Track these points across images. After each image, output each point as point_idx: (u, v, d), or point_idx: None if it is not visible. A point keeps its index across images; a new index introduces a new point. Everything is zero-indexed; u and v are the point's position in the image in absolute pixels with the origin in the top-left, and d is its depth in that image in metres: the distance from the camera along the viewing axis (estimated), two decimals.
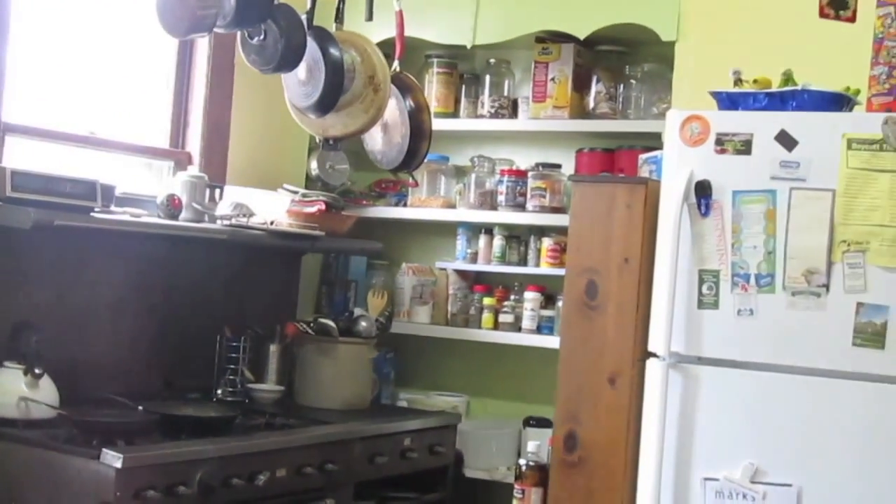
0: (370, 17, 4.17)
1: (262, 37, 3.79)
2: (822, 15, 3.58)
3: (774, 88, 3.53)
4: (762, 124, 3.40)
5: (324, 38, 3.94)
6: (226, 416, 3.78)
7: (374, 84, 4.05)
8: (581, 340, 3.65)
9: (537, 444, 3.86)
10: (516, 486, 3.86)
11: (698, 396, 3.44)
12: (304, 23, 3.89)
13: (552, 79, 4.61)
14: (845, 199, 3.29)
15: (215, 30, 3.72)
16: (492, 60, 4.85)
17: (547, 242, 4.62)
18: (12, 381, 3.48)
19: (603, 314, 3.62)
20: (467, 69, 4.94)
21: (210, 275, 4.34)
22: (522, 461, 3.86)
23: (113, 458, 3.14)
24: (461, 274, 4.88)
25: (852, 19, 3.57)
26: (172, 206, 4.01)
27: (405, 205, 4.94)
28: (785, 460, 3.33)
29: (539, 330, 4.60)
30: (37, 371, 3.50)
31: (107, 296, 3.99)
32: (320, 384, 4.31)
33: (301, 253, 4.74)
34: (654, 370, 3.47)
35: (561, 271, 4.03)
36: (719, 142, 3.44)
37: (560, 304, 4.24)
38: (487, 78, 4.83)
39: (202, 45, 4.51)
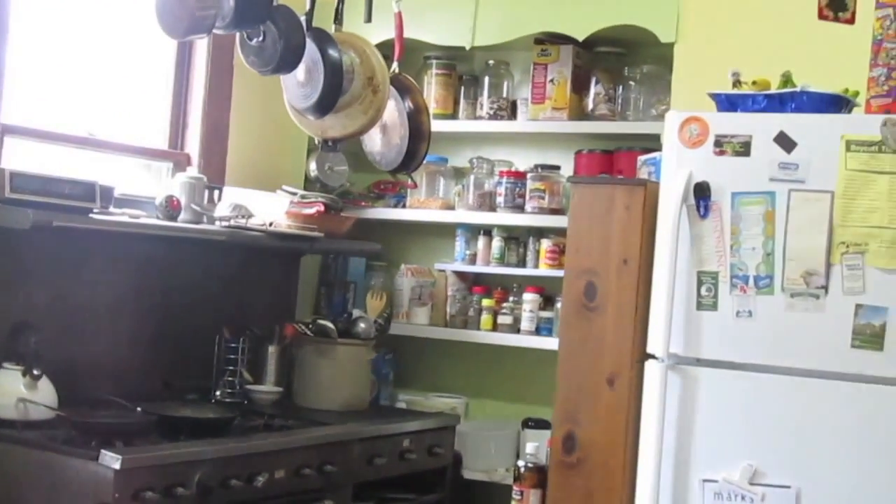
0: (369, 19, 4.18)
1: (261, 38, 3.79)
2: (821, 16, 3.58)
3: (773, 90, 3.53)
4: (761, 126, 3.40)
5: (323, 39, 3.95)
6: (224, 417, 3.78)
7: (373, 85, 4.05)
8: (580, 342, 3.65)
9: (536, 446, 3.86)
10: (515, 487, 3.85)
11: (697, 398, 3.44)
12: (304, 24, 3.90)
13: (551, 80, 4.62)
14: (844, 200, 3.28)
15: (214, 31, 3.72)
16: (491, 62, 4.85)
17: (546, 244, 4.62)
18: (11, 382, 3.48)
19: (602, 315, 3.62)
20: (466, 70, 4.94)
21: (209, 276, 4.34)
22: (521, 462, 3.86)
23: (111, 460, 3.14)
24: (460, 275, 4.88)
25: (851, 21, 3.57)
26: (171, 208, 4.01)
27: (404, 206, 4.94)
28: (783, 462, 3.33)
29: (538, 331, 4.60)
30: (35, 372, 3.50)
31: (105, 297, 3.99)
32: (319, 385, 4.31)
33: (300, 254, 4.74)
34: (652, 371, 3.46)
35: (560, 273, 4.03)
36: (718, 143, 3.44)
37: (559, 305, 4.24)
38: (486, 79, 4.84)
39: (201, 46, 4.50)
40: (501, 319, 4.71)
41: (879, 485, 3.23)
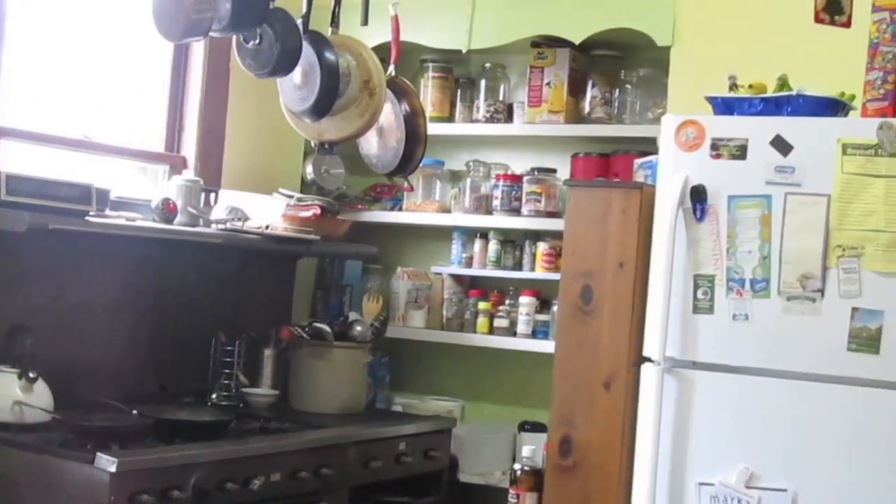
0: (366, 22, 4.17)
1: (257, 41, 3.79)
2: (818, 20, 3.59)
3: (770, 93, 3.54)
4: (757, 129, 3.41)
5: (319, 42, 3.94)
6: (220, 420, 3.78)
7: (369, 88, 4.05)
8: (576, 345, 3.65)
9: (532, 449, 3.87)
10: (511, 490, 3.86)
11: (693, 401, 3.44)
12: (300, 27, 3.89)
13: (547, 83, 4.62)
14: (840, 204, 3.29)
15: (211, 34, 3.72)
16: (487, 65, 4.85)
17: (542, 247, 4.62)
18: (6, 384, 3.47)
19: (598, 319, 3.62)
20: (463, 74, 4.94)
21: (205, 279, 4.34)
22: (517, 466, 3.86)
23: (107, 463, 3.13)
24: (456, 278, 4.88)
25: (847, 24, 3.57)
26: (167, 211, 4.01)
27: (400, 209, 4.94)
28: (780, 465, 3.33)
29: (534, 334, 4.60)
30: (31, 375, 3.49)
31: (102, 300, 3.99)
32: (315, 388, 4.31)
33: (296, 257, 4.74)
34: (648, 375, 3.47)
35: (556, 276, 4.03)
36: (714, 147, 3.44)
37: (555, 308, 4.24)
38: (483, 82, 4.84)
39: (198, 48, 4.50)
40: (498, 322, 4.70)
41: (875, 488, 3.23)
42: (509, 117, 4.79)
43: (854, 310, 3.27)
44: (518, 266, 4.74)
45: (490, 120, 4.78)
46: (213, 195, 4.27)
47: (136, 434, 3.44)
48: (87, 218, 3.62)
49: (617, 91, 4.59)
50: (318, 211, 4.32)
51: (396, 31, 4.27)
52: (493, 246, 4.74)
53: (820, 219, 3.31)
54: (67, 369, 3.77)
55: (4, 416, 3.43)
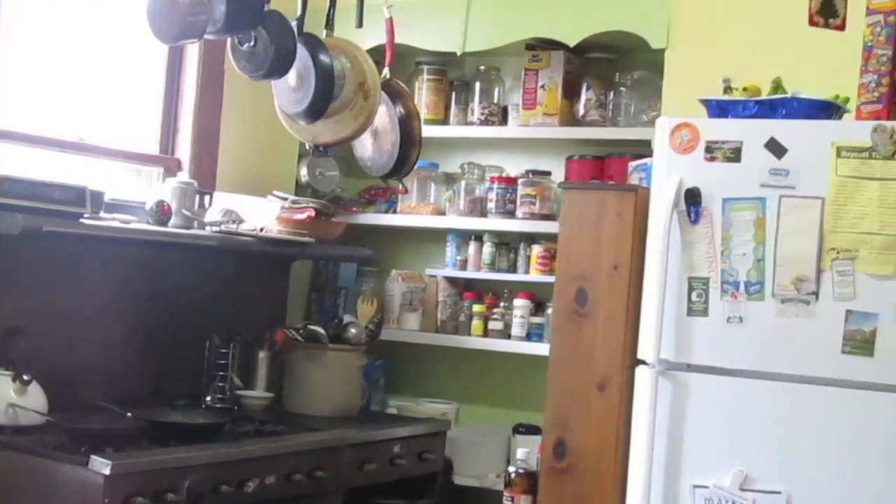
0: (360, 24, 4.18)
1: (252, 43, 3.79)
2: (812, 23, 3.59)
3: (764, 96, 3.54)
4: (752, 132, 3.41)
5: (314, 44, 3.94)
6: (215, 422, 3.78)
7: (364, 91, 4.05)
8: (570, 347, 3.65)
9: (527, 451, 3.87)
10: (506, 493, 3.85)
11: (687, 404, 3.44)
12: (295, 29, 3.89)
13: (542, 86, 4.62)
14: (834, 206, 3.29)
15: (205, 36, 3.72)
16: (482, 67, 4.85)
17: (537, 249, 4.62)
18: (0, 387, 3.46)
19: (592, 321, 3.62)
20: (457, 76, 4.94)
21: (199, 281, 4.33)
22: (512, 468, 3.86)
23: (101, 465, 3.13)
24: (451, 281, 4.88)
25: (842, 27, 3.57)
26: (162, 213, 4.01)
27: (395, 211, 4.94)
28: (774, 467, 3.33)
29: (529, 337, 4.60)
30: (25, 377, 3.48)
31: (96, 302, 3.98)
32: (310, 391, 4.31)
33: (291, 259, 4.74)
34: (643, 377, 3.47)
35: (551, 278, 4.03)
36: (709, 149, 3.44)
37: (550, 311, 4.24)
38: (477, 85, 4.84)
39: (192, 51, 4.51)
40: (492, 325, 4.71)
41: (869, 490, 3.23)
42: (504, 120, 4.79)
43: (848, 312, 3.27)
44: (513, 269, 4.74)
45: (485, 122, 4.78)
46: (207, 197, 4.27)
47: (131, 437, 3.44)
48: (81, 220, 3.62)
49: (611, 93, 4.59)
50: (313, 213, 4.32)
51: (391, 33, 4.27)
52: (487, 248, 4.74)
53: (814, 221, 3.31)
54: (62, 372, 3.76)
55: None
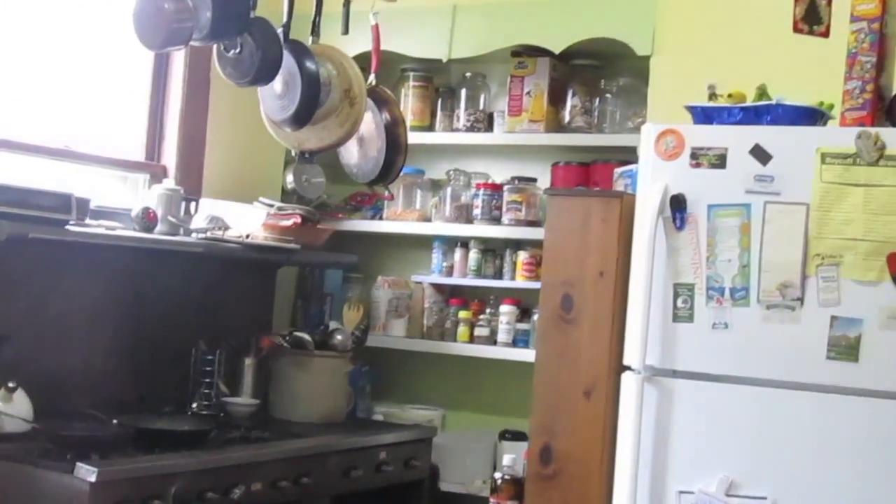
0: (346, 31, 4.18)
1: (238, 50, 3.79)
2: (796, 30, 3.60)
3: (749, 103, 3.55)
4: (736, 138, 3.41)
5: (300, 51, 3.94)
6: (201, 429, 3.77)
7: (349, 97, 4.05)
8: (556, 354, 3.65)
9: (513, 458, 3.86)
10: (492, 499, 3.85)
11: (673, 409, 3.45)
12: (281, 36, 3.89)
13: (528, 93, 4.63)
14: (819, 212, 3.30)
15: (191, 43, 3.72)
16: (467, 74, 4.86)
17: (522, 256, 4.63)
18: None
19: (578, 327, 3.63)
20: (443, 83, 4.95)
21: (185, 288, 4.33)
22: (498, 474, 3.86)
23: (87, 472, 3.13)
24: (437, 287, 4.88)
25: (826, 34, 3.59)
26: (147, 220, 4.00)
27: (381, 218, 4.94)
28: (760, 473, 3.33)
29: (514, 343, 4.60)
30: (11, 384, 3.48)
31: (81, 309, 3.98)
32: (296, 397, 4.31)
33: (276, 266, 4.74)
34: (629, 383, 3.47)
35: (536, 285, 4.03)
36: (694, 156, 3.45)
37: (535, 317, 4.24)
38: (463, 91, 4.85)
39: (178, 57, 4.50)
40: (478, 331, 4.71)
41: (855, 495, 3.24)
42: (489, 126, 4.80)
43: (833, 318, 3.28)
44: (498, 275, 4.75)
45: (470, 129, 4.79)
46: (193, 204, 4.27)
47: (117, 444, 3.43)
48: (67, 227, 3.61)
49: (597, 100, 4.60)
50: (299, 220, 4.32)
51: (377, 40, 4.28)
52: (473, 255, 4.75)
53: (799, 227, 3.32)
54: (47, 379, 3.76)
55: None
